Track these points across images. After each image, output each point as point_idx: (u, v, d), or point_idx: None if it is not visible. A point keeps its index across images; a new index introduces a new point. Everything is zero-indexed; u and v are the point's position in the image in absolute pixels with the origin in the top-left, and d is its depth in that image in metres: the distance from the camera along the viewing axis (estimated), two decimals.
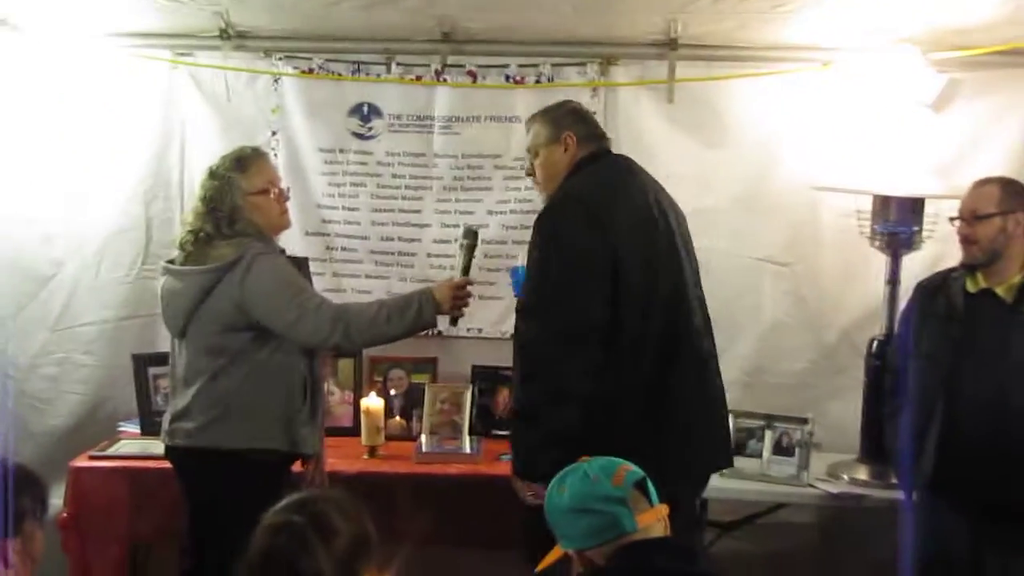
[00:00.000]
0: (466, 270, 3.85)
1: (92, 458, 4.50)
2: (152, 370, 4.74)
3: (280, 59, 4.92)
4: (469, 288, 3.84)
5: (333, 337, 3.69)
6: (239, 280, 3.63)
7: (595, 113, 4.72)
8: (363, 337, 3.82)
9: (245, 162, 3.79)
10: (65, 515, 4.36)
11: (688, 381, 3.57)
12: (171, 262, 3.83)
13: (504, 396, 4.85)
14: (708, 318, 3.75)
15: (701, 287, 3.76)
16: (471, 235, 3.89)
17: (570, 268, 3.40)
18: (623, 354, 3.43)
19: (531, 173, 3.81)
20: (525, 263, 3.68)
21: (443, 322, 3.96)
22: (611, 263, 3.40)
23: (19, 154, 4.87)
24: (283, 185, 3.92)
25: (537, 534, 3.07)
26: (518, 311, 3.56)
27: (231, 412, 3.69)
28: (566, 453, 3.01)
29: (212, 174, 3.78)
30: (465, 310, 3.88)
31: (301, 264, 4.03)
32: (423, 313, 3.75)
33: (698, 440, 3.57)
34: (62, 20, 4.69)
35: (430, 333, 4.27)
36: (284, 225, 3.94)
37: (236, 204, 3.71)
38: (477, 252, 4.01)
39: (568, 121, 3.70)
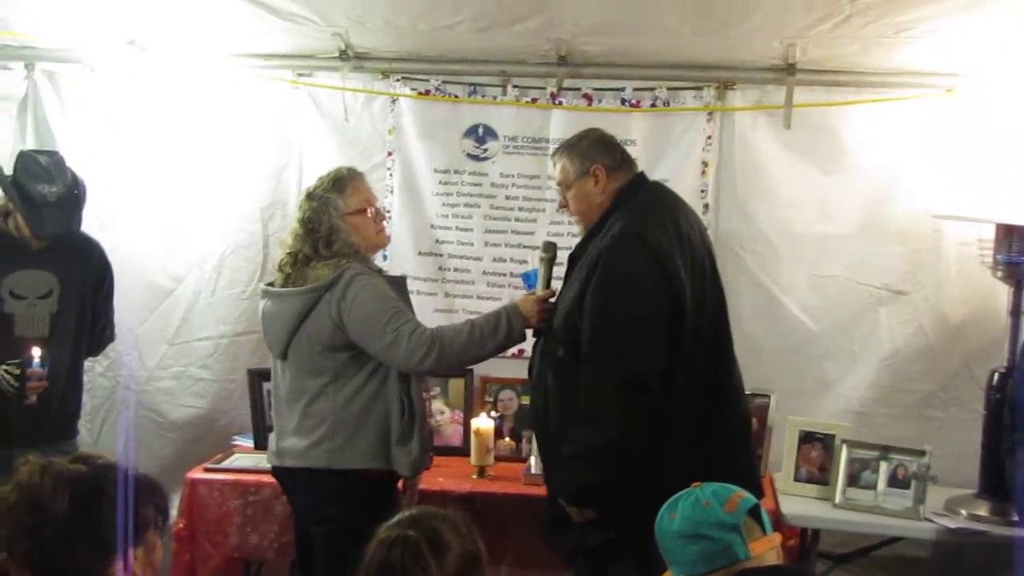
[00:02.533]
0: (547, 283, 3.86)
1: (207, 470, 4.58)
2: (266, 385, 4.76)
3: (398, 80, 4.98)
4: (552, 300, 3.82)
5: (427, 362, 3.71)
6: (337, 301, 3.69)
7: (710, 138, 4.77)
8: (457, 359, 3.86)
9: (342, 182, 3.87)
10: (181, 526, 4.43)
11: (730, 419, 3.62)
12: (271, 285, 3.92)
13: None
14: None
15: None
16: (550, 248, 3.91)
17: (637, 314, 3.40)
18: (676, 395, 3.43)
19: (564, 206, 3.80)
20: (539, 270, 3.85)
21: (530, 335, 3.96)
22: (672, 306, 3.42)
23: (144, 169, 5.00)
24: (379, 204, 4.00)
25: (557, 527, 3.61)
26: (581, 352, 3.50)
27: (333, 432, 3.75)
28: (619, 490, 3.32)
29: (310, 196, 3.87)
30: None
31: (399, 283, 4.06)
32: (513, 329, 3.78)
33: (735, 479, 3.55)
34: (187, 41, 4.81)
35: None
36: (382, 243, 4.03)
37: (334, 224, 3.78)
38: None
39: (594, 153, 3.69)
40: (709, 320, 3.56)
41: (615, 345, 3.40)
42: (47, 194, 4.09)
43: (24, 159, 4.19)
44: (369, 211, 3.89)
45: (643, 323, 3.40)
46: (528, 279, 4.01)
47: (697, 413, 3.50)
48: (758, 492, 3.71)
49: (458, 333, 3.78)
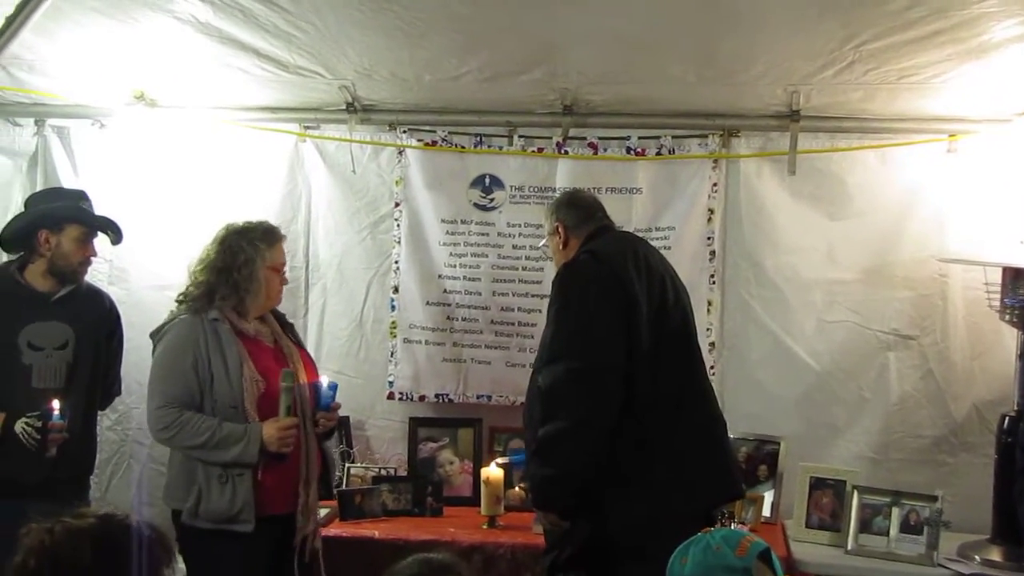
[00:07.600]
0: (289, 410, 3.80)
1: None
2: None
3: (404, 132, 5.01)
4: (293, 429, 3.79)
5: (160, 437, 3.85)
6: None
7: (715, 185, 4.78)
8: (186, 452, 3.81)
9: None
10: None
11: (696, 418, 3.68)
12: None
13: None
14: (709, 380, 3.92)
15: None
16: (289, 377, 3.84)
17: (586, 316, 3.56)
18: (638, 395, 3.53)
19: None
20: None
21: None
22: (625, 313, 3.56)
23: (153, 222, 5.02)
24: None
25: (554, 547, 3.66)
26: (543, 366, 3.63)
27: None
28: (581, 488, 3.46)
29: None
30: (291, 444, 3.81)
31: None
32: (248, 450, 3.72)
33: (697, 472, 3.62)
34: (195, 95, 4.86)
35: None
36: None
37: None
38: None
39: (560, 213, 3.98)
40: (675, 333, 3.68)
41: (566, 344, 3.55)
42: (90, 206, 4.24)
43: (45, 193, 4.45)
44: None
45: (594, 322, 3.54)
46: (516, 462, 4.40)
47: (662, 414, 3.56)
48: (735, 490, 3.84)
49: (200, 431, 3.73)
